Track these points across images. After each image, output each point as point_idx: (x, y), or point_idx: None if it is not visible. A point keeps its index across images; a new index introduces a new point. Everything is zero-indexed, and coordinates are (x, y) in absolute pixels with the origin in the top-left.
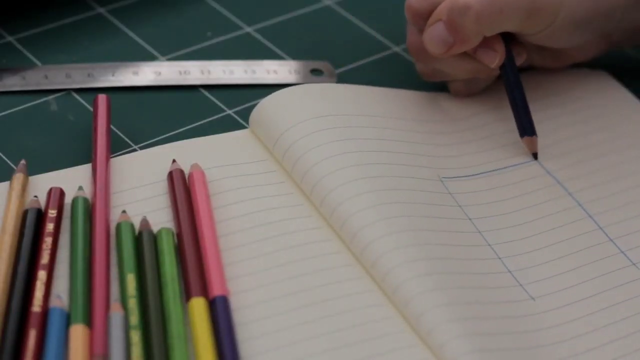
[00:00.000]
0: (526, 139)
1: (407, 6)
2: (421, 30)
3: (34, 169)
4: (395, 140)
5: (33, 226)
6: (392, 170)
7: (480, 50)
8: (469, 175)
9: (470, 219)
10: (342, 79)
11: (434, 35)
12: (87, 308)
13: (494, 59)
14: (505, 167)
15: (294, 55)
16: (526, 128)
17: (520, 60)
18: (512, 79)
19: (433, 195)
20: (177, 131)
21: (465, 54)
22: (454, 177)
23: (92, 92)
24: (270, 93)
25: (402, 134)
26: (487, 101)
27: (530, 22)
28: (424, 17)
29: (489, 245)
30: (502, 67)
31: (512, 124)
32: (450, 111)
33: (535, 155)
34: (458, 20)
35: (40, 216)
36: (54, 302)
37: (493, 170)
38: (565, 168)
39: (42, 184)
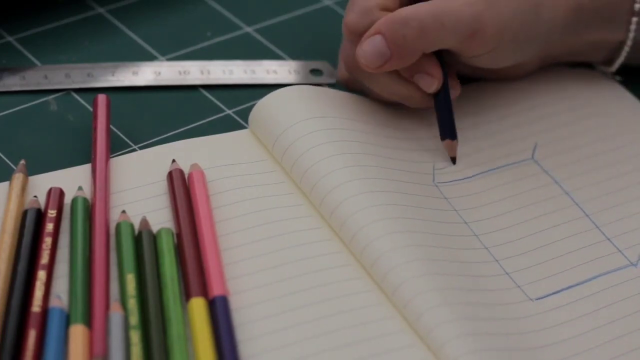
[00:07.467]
0: (447, 142)
1: (345, 24)
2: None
3: (33, 169)
4: (389, 148)
5: (33, 226)
6: (389, 174)
7: (417, 75)
8: (464, 178)
9: (466, 223)
10: None
11: (370, 48)
12: (86, 308)
13: (432, 85)
14: (501, 166)
15: (294, 55)
16: (446, 132)
17: (454, 94)
18: (443, 99)
19: (428, 200)
20: (177, 131)
21: (400, 77)
22: (449, 182)
23: (92, 92)
24: (270, 93)
25: (394, 141)
26: (473, 106)
27: (474, 41)
28: (362, 35)
29: (486, 248)
30: (436, 93)
31: (505, 124)
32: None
33: (453, 160)
34: (399, 32)
35: (40, 216)
36: (53, 302)
37: (489, 170)
38: (562, 167)
39: (41, 184)
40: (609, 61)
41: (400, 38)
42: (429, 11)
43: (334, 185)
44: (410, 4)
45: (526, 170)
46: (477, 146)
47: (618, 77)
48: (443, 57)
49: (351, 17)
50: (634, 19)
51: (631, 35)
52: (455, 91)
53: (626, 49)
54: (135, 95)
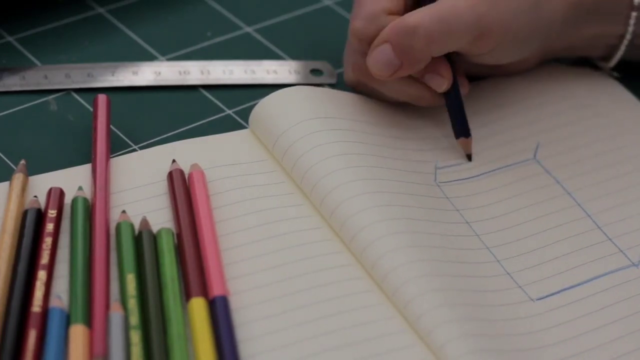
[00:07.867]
0: (462, 140)
1: (352, 31)
2: (365, 53)
3: (34, 169)
4: (389, 148)
5: (33, 226)
6: (389, 174)
7: (427, 76)
8: (465, 178)
9: (467, 223)
10: (341, 79)
11: (380, 58)
12: (86, 308)
13: (442, 85)
14: (502, 167)
15: (294, 55)
16: (460, 130)
17: (464, 92)
18: (454, 98)
19: (430, 200)
20: (177, 131)
21: (410, 79)
22: (450, 182)
23: (92, 92)
24: (270, 93)
25: (395, 141)
26: (474, 106)
27: (480, 42)
28: (370, 42)
29: (487, 248)
30: (446, 93)
31: (506, 124)
32: (438, 117)
33: (469, 157)
34: (406, 42)
35: (40, 216)
36: (53, 302)
37: (491, 170)
38: (563, 167)
39: (42, 184)
40: (608, 57)
41: (408, 48)
42: (434, 17)
43: (334, 185)
44: (416, 5)
45: (528, 170)
46: (478, 146)
47: (616, 74)
48: (451, 56)
49: (358, 23)
50: (634, 14)
51: (630, 29)
52: (464, 89)
53: (625, 42)
54: (135, 95)
